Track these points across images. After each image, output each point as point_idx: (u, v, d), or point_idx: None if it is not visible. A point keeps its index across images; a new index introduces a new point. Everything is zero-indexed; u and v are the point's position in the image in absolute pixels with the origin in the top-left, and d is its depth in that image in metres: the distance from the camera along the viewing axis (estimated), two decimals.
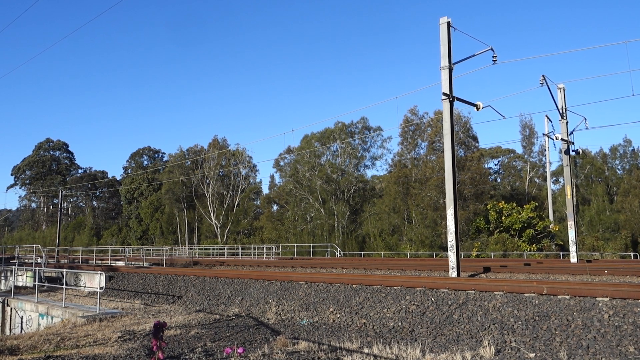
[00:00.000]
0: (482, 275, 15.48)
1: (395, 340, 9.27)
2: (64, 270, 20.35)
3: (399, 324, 10.54)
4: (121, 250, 44.02)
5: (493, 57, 16.42)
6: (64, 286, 17.31)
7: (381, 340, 9.19)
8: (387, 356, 8.00)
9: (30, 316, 17.28)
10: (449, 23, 15.74)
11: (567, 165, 19.75)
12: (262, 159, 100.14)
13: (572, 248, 20.46)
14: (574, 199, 19.24)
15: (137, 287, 18.74)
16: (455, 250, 14.88)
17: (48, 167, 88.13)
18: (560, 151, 20.21)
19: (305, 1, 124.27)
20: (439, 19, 15.89)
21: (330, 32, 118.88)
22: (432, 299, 10.99)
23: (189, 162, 65.26)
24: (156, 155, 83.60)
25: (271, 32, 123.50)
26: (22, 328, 17.58)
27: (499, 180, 62.16)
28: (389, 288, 12.28)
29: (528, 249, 35.31)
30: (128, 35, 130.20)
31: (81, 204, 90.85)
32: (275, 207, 63.49)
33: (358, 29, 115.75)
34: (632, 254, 32.89)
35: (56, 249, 39.11)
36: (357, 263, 21.27)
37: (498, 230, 38.33)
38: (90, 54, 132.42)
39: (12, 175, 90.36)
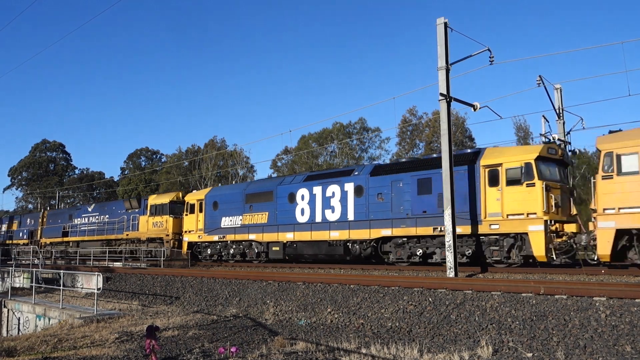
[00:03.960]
0: (480, 275, 15.51)
1: (393, 340, 9.27)
2: (61, 271, 20.30)
3: (397, 324, 10.54)
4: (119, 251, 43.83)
5: (490, 57, 16.45)
6: (61, 287, 17.27)
7: (379, 341, 9.19)
8: (384, 356, 8.01)
9: (28, 317, 17.24)
10: (446, 24, 15.76)
11: None
12: (259, 160, 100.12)
13: None
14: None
15: (134, 288, 18.71)
16: (452, 250, 14.89)
17: (45, 168, 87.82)
18: None
19: (303, 2, 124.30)
20: (436, 20, 15.91)
21: (328, 33, 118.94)
22: (430, 299, 11.00)
23: (187, 163, 65.19)
24: (154, 156, 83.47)
25: (269, 33, 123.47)
26: (19, 329, 17.53)
27: None
28: (386, 288, 12.29)
29: None
30: (126, 35, 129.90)
31: (78, 204, 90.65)
32: None
33: (356, 30, 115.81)
34: None
35: (53, 250, 38.94)
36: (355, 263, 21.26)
37: None
38: (87, 55, 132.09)
39: (8, 176, 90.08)
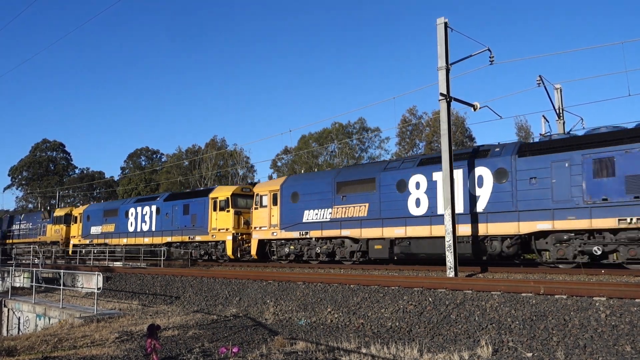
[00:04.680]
0: (480, 275, 15.50)
1: (393, 340, 9.28)
2: (62, 271, 20.31)
3: (397, 324, 10.55)
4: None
5: (490, 57, 16.44)
6: (61, 287, 17.28)
7: (379, 340, 9.20)
8: (384, 356, 8.01)
9: (28, 317, 17.25)
10: (446, 24, 15.75)
11: None
12: (259, 159, 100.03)
13: None
14: None
15: (134, 287, 18.72)
16: (452, 250, 14.88)
17: (45, 167, 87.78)
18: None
19: (303, 3, 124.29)
20: (436, 20, 15.90)
21: (328, 33, 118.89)
22: (430, 299, 11.00)
23: (187, 163, 65.17)
24: (154, 156, 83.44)
25: (270, 33, 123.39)
26: (19, 329, 17.54)
27: None
28: (386, 288, 12.29)
29: None
30: (125, 35, 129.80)
31: (78, 204, 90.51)
32: None
33: (356, 30, 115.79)
34: None
35: (53, 250, 39.04)
36: (355, 263, 21.26)
37: None
38: (87, 55, 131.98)
39: (9, 176, 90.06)
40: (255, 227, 23.71)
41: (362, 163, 21.96)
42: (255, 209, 23.80)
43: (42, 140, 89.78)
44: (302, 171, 53.95)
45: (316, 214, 21.16)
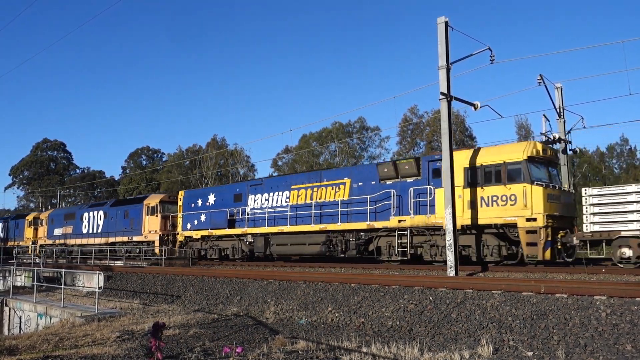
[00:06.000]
0: (480, 274, 15.51)
1: (393, 339, 9.29)
2: (62, 270, 20.31)
3: (398, 323, 10.56)
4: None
5: (490, 56, 16.41)
6: (62, 286, 17.28)
7: (380, 340, 9.20)
8: (385, 355, 8.02)
9: (29, 316, 17.27)
10: (446, 23, 15.74)
11: (564, 165, 19.73)
12: (260, 159, 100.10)
13: None
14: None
15: (135, 287, 18.74)
16: (453, 249, 14.89)
17: (46, 167, 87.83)
18: (558, 150, 20.17)
19: (303, 2, 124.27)
20: (436, 19, 15.90)
21: (329, 33, 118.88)
22: (430, 298, 11.01)
23: (188, 162, 65.18)
24: (155, 155, 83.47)
25: (270, 33, 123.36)
26: (20, 328, 17.56)
27: None
28: (387, 287, 12.30)
29: None
30: (126, 35, 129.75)
31: (79, 204, 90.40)
32: None
33: (356, 29, 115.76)
34: None
35: (54, 249, 39.06)
36: (356, 262, 21.28)
37: None
38: (88, 54, 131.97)
39: (10, 175, 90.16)
40: (39, 237, 41.70)
41: (75, 205, 47.30)
42: (40, 226, 42.22)
43: (42, 140, 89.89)
44: (304, 169, 54.24)
45: (58, 231, 39.28)
